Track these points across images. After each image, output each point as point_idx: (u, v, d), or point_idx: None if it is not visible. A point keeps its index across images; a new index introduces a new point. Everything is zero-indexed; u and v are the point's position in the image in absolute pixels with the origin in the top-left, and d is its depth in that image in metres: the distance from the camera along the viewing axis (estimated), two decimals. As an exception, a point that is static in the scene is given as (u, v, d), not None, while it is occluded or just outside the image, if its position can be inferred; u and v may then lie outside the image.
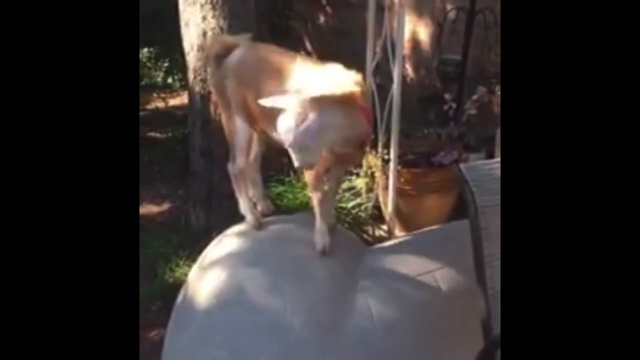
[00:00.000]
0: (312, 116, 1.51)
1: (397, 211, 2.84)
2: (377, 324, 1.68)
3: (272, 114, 1.80)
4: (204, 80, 3.01)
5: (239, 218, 3.12)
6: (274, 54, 1.89)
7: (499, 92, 3.58)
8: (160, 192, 3.90)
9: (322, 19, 5.38)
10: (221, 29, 2.89)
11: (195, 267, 1.89)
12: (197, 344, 1.70)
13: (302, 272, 1.73)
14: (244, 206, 2.01)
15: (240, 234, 1.86)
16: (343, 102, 1.56)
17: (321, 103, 1.53)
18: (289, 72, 1.76)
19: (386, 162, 2.74)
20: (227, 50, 1.95)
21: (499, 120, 3.41)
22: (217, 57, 1.97)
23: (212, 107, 3.04)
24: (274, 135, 1.89)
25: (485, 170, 1.47)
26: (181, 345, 1.74)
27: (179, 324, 1.82)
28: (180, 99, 5.20)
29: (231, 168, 1.99)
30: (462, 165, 1.42)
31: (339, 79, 1.61)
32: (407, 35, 4.08)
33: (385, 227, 2.89)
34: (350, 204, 2.88)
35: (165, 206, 3.76)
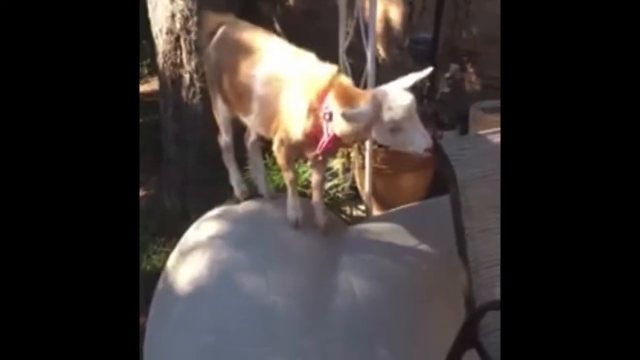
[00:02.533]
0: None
1: (374, 191, 2.84)
2: (359, 301, 1.69)
3: (242, 98, 1.78)
4: (174, 64, 2.96)
5: (215, 203, 3.11)
6: (250, 35, 1.86)
7: (471, 70, 3.60)
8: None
9: (291, 1, 5.34)
10: (190, 10, 2.85)
11: (174, 253, 1.87)
12: (181, 331, 1.69)
13: (284, 253, 1.72)
14: (233, 178, 2.02)
15: (219, 217, 1.85)
16: None
17: None
18: (260, 52, 1.74)
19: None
20: (217, 28, 1.93)
21: (472, 97, 3.44)
22: (208, 35, 1.96)
23: (183, 92, 3.00)
24: (244, 120, 1.88)
25: (464, 144, 1.48)
26: (164, 332, 1.73)
27: (161, 312, 1.80)
28: (149, 85, 5.11)
29: (219, 142, 1.99)
30: (441, 140, 1.42)
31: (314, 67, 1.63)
32: (378, 15, 4.07)
33: (362, 207, 2.90)
34: (328, 185, 2.88)
35: (141, 192, 3.71)
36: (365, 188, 2.83)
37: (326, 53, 1.88)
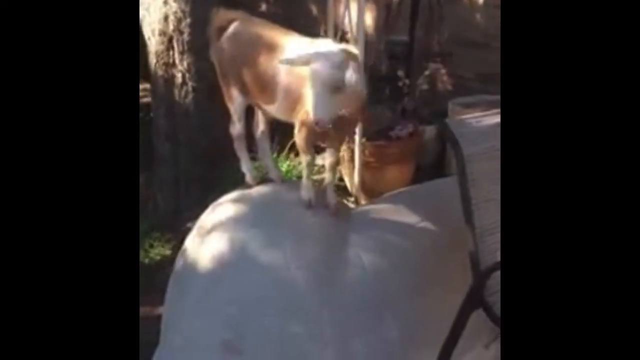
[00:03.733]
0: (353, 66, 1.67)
1: (361, 182, 3.01)
2: (368, 273, 1.83)
3: (266, 88, 1.91)
4: (167, 64, 3.06)
5: (208, 199, 3.21)
6: (268, 29, 1.99)
7: (443, 70, 3.80)
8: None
9: (264, 7, 5.47)
10: (183, 12, 2.96)
11: (191, 237, 1.98)
12: (204, 304, 1.80)
13: (299, 231, 1.85)
14: (245, 165, 2.14)
15: (235, 201, 1.97)
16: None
17: (352, 59, 1.69)
18: (281, 46, 1.87)
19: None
20: (228, 24, 2.05)
21: (445, 94, 3.64)
22: (218, 30, 2.08)
23: (175, 91, 3.10)
24: (266, 108, 2.01)
25: (467, 124, 1.65)
26: (187, 306, 1.84)
27: (182, 289, 1.90)
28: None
29: (232, 131, 2.11)
30: (446, 120, 1.59)
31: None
32: (354, 19, 4.25)
33: (351, 198, 3.05)
34: (315, 177, 3.02)
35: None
36: (354, 180, 2.99)
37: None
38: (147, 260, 2.92)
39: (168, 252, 2.97)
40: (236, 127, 2.09)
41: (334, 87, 1.66)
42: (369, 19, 4.36)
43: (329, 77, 1.65)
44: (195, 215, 3.17)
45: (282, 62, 1.77)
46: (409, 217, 1.97)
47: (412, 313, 1.83)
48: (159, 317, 2.62)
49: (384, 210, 2.03)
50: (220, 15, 2.09)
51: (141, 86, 4.26)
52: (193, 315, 1.82)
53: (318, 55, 1.69)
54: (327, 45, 1.77)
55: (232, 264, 1.80)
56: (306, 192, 1.92)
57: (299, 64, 1.71)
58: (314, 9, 4.78)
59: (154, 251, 2.96)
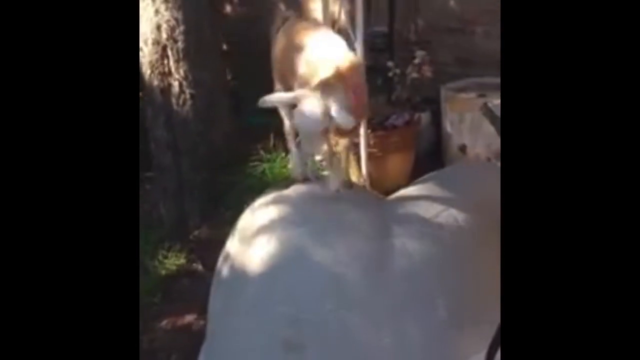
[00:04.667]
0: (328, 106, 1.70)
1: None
2: (415, 259, 1.89)
3: (291, 82, 1.96)
4: (162, 73, 3.05)
5: (211, 206, 3.22)
6: (302, 28, 2.04)
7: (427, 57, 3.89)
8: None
9: (228, 8, 5.45)
10: (176, 20, 2.95)
11: (233, 242, 2.00)
12: (260, 304, 1.82)
13: (344, 226, 1.90)
14: (293, 160, 2.21)
15: (274, 202, 1.99)
16: (334, 84, 1.75)
17: (323, 90, 1.72)
18: (305, 42, 1.93)
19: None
20: (282, 23, 2.12)
21: (431, 81, 3.72)
22: (277, 30, 2.17)
23: (173, 100, 3.09)
24: None
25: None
26: (240, 309, 1.86)
27: (232, 294, 1.92)
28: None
29: (284, 128, 2.19)
30: (489, 104, 1.67)
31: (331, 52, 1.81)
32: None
33: (358, 189, 3.11)
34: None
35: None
36: (362, 171, 3.05)
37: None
38: (163, 272, 2.91)
39: (183, 260, 2.97)
40: (285, 124, 2.14)
41: (319, 133, 1.73)
42: (344, 13, 4.43)
43: (313, 130, 1.73)
44: (200, 223, 3.20)
45: (261, 103, 1.80)
46: (440, 203, 2.04)
47: (457, 294, 1.91)
48: (182, 327, 2.65)
49: (416, 198, 2.10)
50: (278, 16, 2.14)
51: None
52: (249, 317, 1.85)
53: (299, 113, 1.73)
54: (308, 99, 1.76)
55: (284, 264, 1.83)
56: (332, 182, 2.00)
57: (280, 106, 1.76)
58: (282, 7, 4.83)
59: (168, 262, 2.95)
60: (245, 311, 1.88)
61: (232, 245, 1.99)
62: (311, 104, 1.72)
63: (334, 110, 1.70)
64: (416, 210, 2.02)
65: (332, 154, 2.01)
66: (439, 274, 1.90)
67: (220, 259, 2.06)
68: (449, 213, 2.01)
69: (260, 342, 1.84)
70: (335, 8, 2.98)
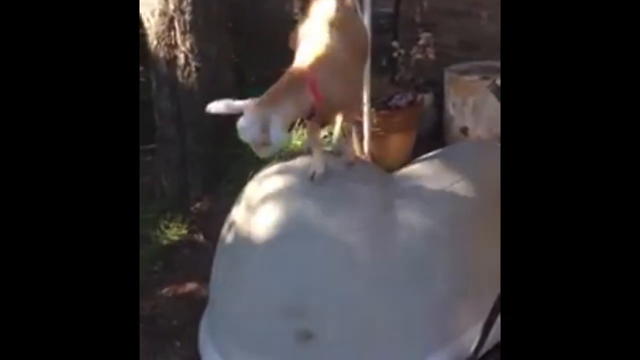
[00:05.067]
0: (268, 121, 1.70)
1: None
2: (418, 235, 1.93)
3: None
4: (169, 45, 3.05)
5: (214, 178, 3.24)
6: (318, 5, 2.05)
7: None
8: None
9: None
10: (184, -9, 2.95)
11: (239, 210, 2.03)
12: (264, 272, 1.86)
13: (349, 197, 1.93)
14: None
15: (280, 172, 2.03)
16: (288, 89, 1.78)
17: (269, 102, 1.74)
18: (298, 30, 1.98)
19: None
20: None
21: (434, 63, 3.74)
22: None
23: (178, 72, 3.10)
24: None
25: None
26: (245, 276, 1.90)
27: (236, 261, 1.96)
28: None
29: None
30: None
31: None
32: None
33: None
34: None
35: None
36: (364, 149, 3.08)
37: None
38: (165, 242, 2.94)
39: (184, 231, 3.00)
40: None
41: (258, 145, 1.75)
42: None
43: (251, 142, 1.75)
44: (202, 195, 3.23)
45: (208, 109, 1.86)
46: (443, 178, 2.08)
47: (458, 267, 1.95)
48: (183, 295, 2.69)
49: (420, 173, 2.13)
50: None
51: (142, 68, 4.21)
52: (252, 284, 1.89)
53: (239, 124, 1.74)
54: (247, 114, 1.75)
55: (289, 232, 1.87)
56: (348, 154, 2.06)
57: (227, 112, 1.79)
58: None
59: (170, 232, 2.98)
60: (248, 278, 1.92)
61: (238, 213, 2.03)
62: (249, 120, 1.72)
63: (271, 128, 1.70)
64: (420, 184, 2.05)
65: (315, 139, 2.04)
66: (440, 247, 1.94)
67: (225, 226, 2.09)
68: (452, 188, 2.04)
69: (263, 308, 1.88)
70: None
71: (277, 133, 1.71)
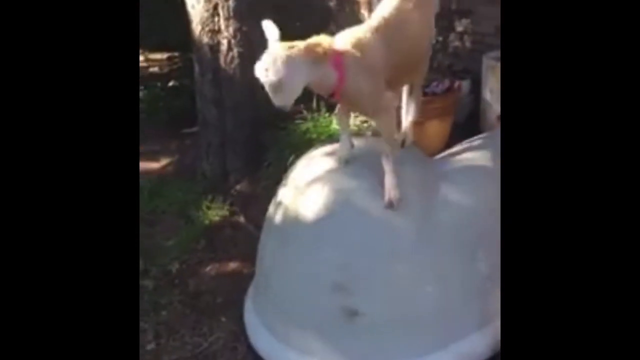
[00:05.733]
0: (282, 62, 1.70)
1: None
2: (460, 213, 1.99)
3: None
4: (212, 31, 3.13)
5: (253, 162, 3.32)
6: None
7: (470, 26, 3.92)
8: (153, 149, 3.96)
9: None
10: (227, -18, 3.02)
11: (287, 190, 2.10)
12: (313, 250, 1.94)
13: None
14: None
15: (328, 155, 2.10)
16: (308, 53, 1.76)
17: (292, 54, 1.73)
18: None
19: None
20: None
21: (474, 51, 3.76)
22: None
23: (221, 57, 3.18)
24: None
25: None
26: (294, 254, 1.98)
27: (285, 240, 2.04)
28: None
29: None
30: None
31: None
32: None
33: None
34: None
35: (164, 160, 3.86)
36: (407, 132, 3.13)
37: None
38: (207, 222, 3.04)
39: (225, 212, 3.09)
40: None
41: (271, 87, 1.72)
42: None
43: (263, 80, 1.72)
44: (242, 178, 3.32)
45: None
46: (485, 162, 2.13)
47: (497, 250, 2.00)
48: (226, 273, 2.78)
49: (462, 157, 2.19)
50: None
51: (181, 55, 4.32)
52: (302, 261, 1.97)
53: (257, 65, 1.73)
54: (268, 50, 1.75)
55: (337, 213, 1.94)
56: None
57: None
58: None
59: (211, 213, 3.08)
60: (296, 255, 2.00)
61: (285, 194, 2.10)
62: (267, 59, 1.72)
63: (285, 70, 1.70)
64: (462, 168, 2.11)
65: (342, 123, 2.08)
66: (481, 229, 1.99)
67: (271, 207, 2.17)
68: (493, 171, 2.09)
69: (310, 285, 1.96)
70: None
71: (290, 78, 1.71)
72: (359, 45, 1.87)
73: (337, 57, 1.82)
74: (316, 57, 1.78)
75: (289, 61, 1.71)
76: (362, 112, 2.19)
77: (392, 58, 1.93)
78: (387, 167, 1.93)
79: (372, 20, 1.99)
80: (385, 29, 1.95)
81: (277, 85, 1.71)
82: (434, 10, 2.22)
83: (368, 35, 1.91)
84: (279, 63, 1.70)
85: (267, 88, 1.75)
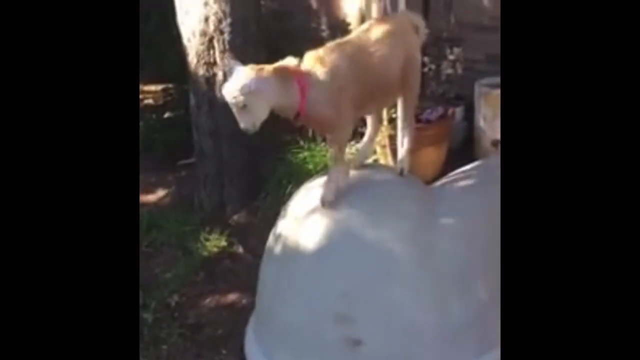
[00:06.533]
0: (250, 82, 1.76)
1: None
2: (459, 240, 2.00)
3: None
4: (208, 64, 3.17)
5: (250, 192, 3.33)
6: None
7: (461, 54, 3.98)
8: (149, 181, 3.96)
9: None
10: (224, 12, 3.07)
11: (286, 221, 2.12)
12: (313, 280, 1.95)
13: (394, 206, 2.02)
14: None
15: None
16: (277, 74, 1.82)
17: (259, 74, 1.79)
18: None
19: (391, 121, 3.05)
20: None
21: (465, 78, 3.81)
22: None
23: (217, 89, 3.21)
24: None
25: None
26: (294, 284, 1.99)
27: (284, 269, 2.05)
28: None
29: None
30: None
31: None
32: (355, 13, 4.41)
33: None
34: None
35: (160, 192, 3.86)
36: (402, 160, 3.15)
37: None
38: (205, 253, 3.03)
39: (224, 243, 3.09)
40: None
41: (238, 108, 1.79)
42: (375, 9, 4.54)
43: (229, 101, 1.78)
44: (240, 208, 3.32)
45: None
46: (483, 189, 2.15)
47: (496, 274, 2.01)
48: (226, 304, 2.77)
49: (460, 184, 2.21)
50: None
51: (176, 86, 4.35)
52: (302, 292, 1.98)
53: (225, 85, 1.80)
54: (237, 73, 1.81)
55: (336, 242, 1.95)
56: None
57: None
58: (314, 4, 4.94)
59: (210, 244, 3.08)
60: (297, 286, 2.00)
61: (284, 224, 2.11)
62: (234, 80, 1.78)
63: (251, 90, 1.75)
64: (458, 196, 2.13)
65: (331, 156, 2.07)
66: (481, 256, 2.01)
67: (271, 238, 2.18)
68: (492, 199, 2.11)
69: (311, 315, 1.96)
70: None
71: (258, 98, 1.76)
72: (322, 62, 1.92)
73: (301, 77, 1.87)
74: (283, 76, 1.83)
75: (257, 81, 1.77)
76: (325, 130, 2.18)
77: (359, 76, 1.96)
78: (331, 175, 1.98)
79: (341, 40, 2.07)
80: (351, 47, 2.01)
81: (244, 106, 1.76)
82: (419, 39, 2.26)
83: (332, 53, 1.95)
84: (247, 82, 1.75)
85: (233, 109, 1.80)
